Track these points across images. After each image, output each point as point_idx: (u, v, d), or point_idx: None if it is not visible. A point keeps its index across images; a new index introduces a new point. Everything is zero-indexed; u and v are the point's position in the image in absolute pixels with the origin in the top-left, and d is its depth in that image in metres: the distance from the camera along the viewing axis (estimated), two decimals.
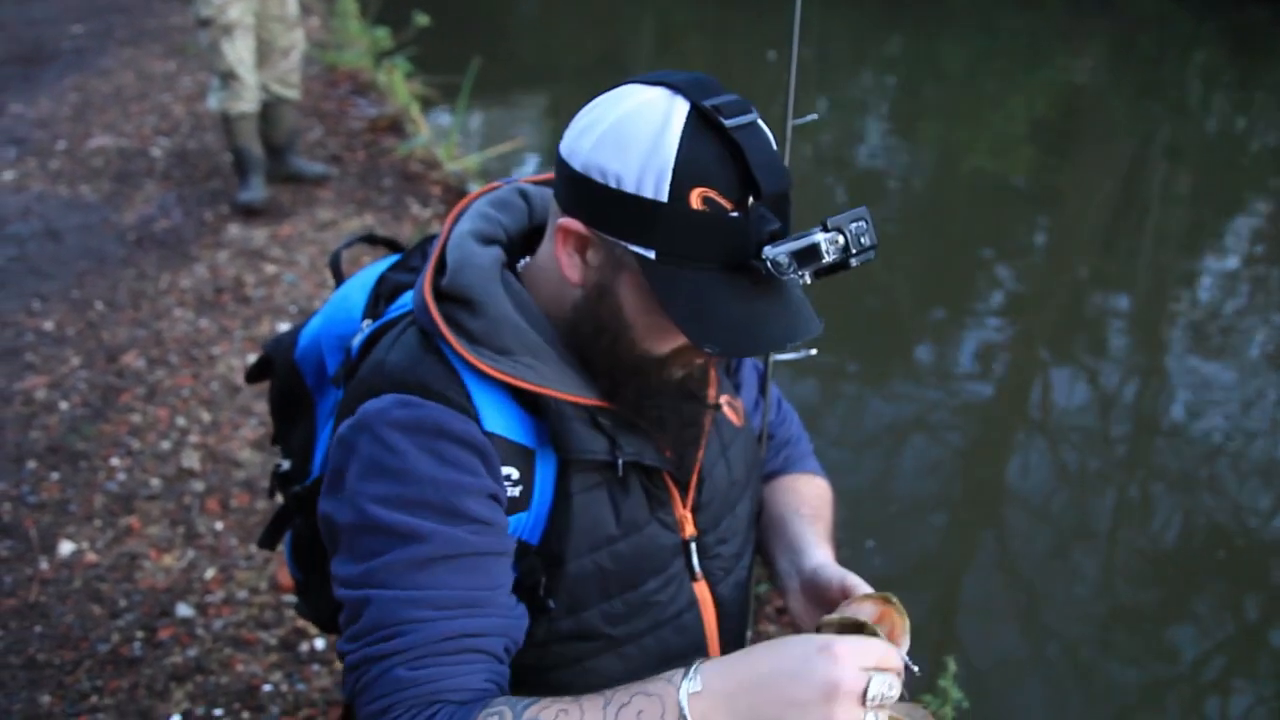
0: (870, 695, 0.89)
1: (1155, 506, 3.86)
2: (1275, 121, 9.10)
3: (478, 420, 1.07)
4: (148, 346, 3.83)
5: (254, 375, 1.52)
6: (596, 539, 1.14)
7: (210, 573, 2.70)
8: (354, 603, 1.03)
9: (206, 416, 3.39)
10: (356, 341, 1.23)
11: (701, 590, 1.26)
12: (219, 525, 2.87)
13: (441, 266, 1.15)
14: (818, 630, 1.02)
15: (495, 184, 1.26)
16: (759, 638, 1.65)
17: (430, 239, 1.30)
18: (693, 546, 1.24)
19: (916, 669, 0.98)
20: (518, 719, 0.98)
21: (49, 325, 3.97)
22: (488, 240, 1.17)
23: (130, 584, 2.66)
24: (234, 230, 4.82)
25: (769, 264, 0.96)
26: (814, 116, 1.40)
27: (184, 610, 2.57)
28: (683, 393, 1.16)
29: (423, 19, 6.92)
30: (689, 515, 1.23)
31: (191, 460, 3.14)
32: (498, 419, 1.09)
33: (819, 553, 1.29)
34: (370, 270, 1.37)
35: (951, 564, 3.58)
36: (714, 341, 1.00)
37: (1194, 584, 3.49)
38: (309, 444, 1.39)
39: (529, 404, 1.12)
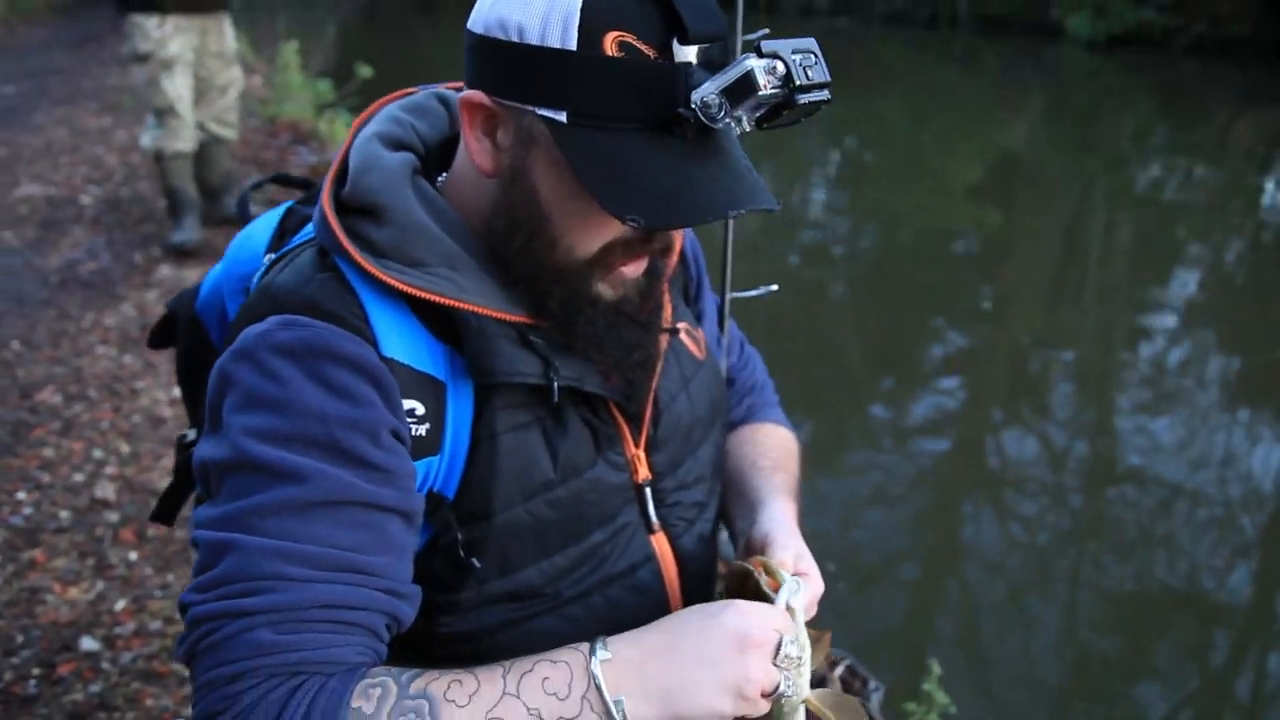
0: (782, 654, 0.87)
1: (1112, 559, 3.74)
2: (1207, 171, 9.32)
3: (375, 344, 0.89)
4: (66, 383, 3.58)
5: (156, 337, 1.33)
6: (529, 486, 0.95)
7: (121, 604, 2.44)
8: (212, 546, 0.83)
9: (126, 448, 3.14)
10: (256, 278, 1.06)
11: (660, 543, 1.07)
12: (133, 555, 2.62)
13: (343, 176, 0.98)
14: (720, 579, 0.96)
15: (410, 89, 1.08)
16: None
17: None
18: (648, 492, 1.05)
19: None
20: (403, 690, 0.81)
21: None
22: (397, 145, 1.00)
23: (29, 619, 2.39)
24: (165, 271, 4.61)
25: (697, 110, 0.81)
26: (765, 31, 1.29)
27: (89, 644, 2.31)
28: (620, 314, 0.97)
29: (365, 70, 6.86)
30: (642, 455, 1.04)
31: (106, 491, 2.89)
32: (399, 344, 0.91)
33: (776, 506, 1.12)
34: (277, 209, 1.19)
35: (914, 624, 3.40)
36: (636, 210, 0.82)
37: (1155, 634, 3.34)
38: None
39: (442, 330, 0.93)
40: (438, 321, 0.94)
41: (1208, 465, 4.25)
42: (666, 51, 0.83)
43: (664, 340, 1.08)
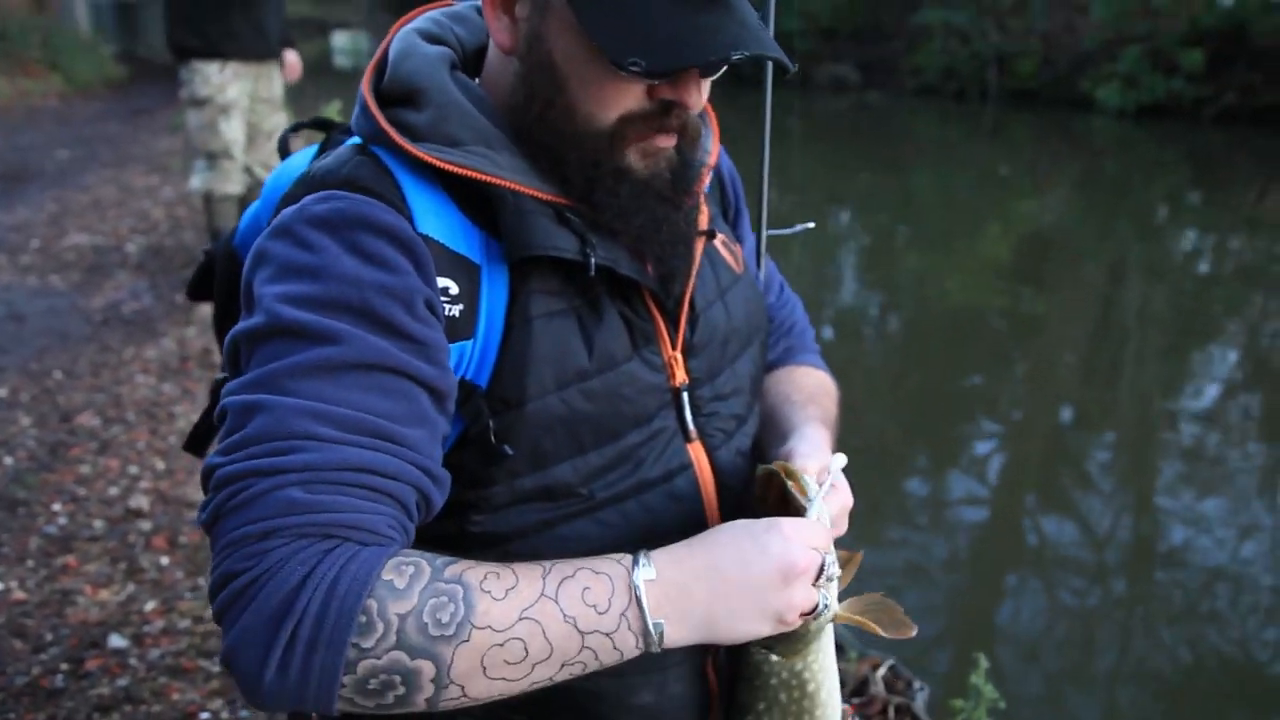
0: (824, 576, 0.87)
1: (1157, 640, 3.61)
2: (1241, 242, 9.26)
3: (411, 221, 0.89)
4: (105, 408, 3.62)
5: (195, 289, 1.33)
6: (564, 372, 0.93)
7: (150, 605, 2.43)
8: (240, 410, 0.79)
9: (161, 465, 3.16)
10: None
11: (697, 453, 1.04)
12: (164, 560, 2.62)
13: (383, 70, 0.99)
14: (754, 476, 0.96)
15: (450, 0, 1.08)
16: None
17: None
18: (685, 398, 1.03)
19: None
20: (438, 572, 0.77)
21: (2, 392, 3.76)
22: (436, 40, 1.02)
23: (59, 619, 2.38)
24: (205, 309, 4.68)
25: None
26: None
27: (117, 641, 2.28)
28: (648, 188, 0.96)
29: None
30: (679, 358, 1.02)
31: (141, 503, 2.90)
32: (435, 224, 0.90)
33: (806, 430, 1.09)
34: (317, 145, 1.21)
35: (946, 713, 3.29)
36: (637, 54, 0.84)
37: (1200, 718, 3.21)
38: None
39: (478, 214, 0.93)
40: (474, 205, 0.93)
41: (1251, 544, 4.12)
42: None
43: (700, 244, 1.07)
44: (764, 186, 1.29)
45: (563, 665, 0.79)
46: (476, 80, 1.03)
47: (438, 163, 0.90)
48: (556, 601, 0.79)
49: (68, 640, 2.30)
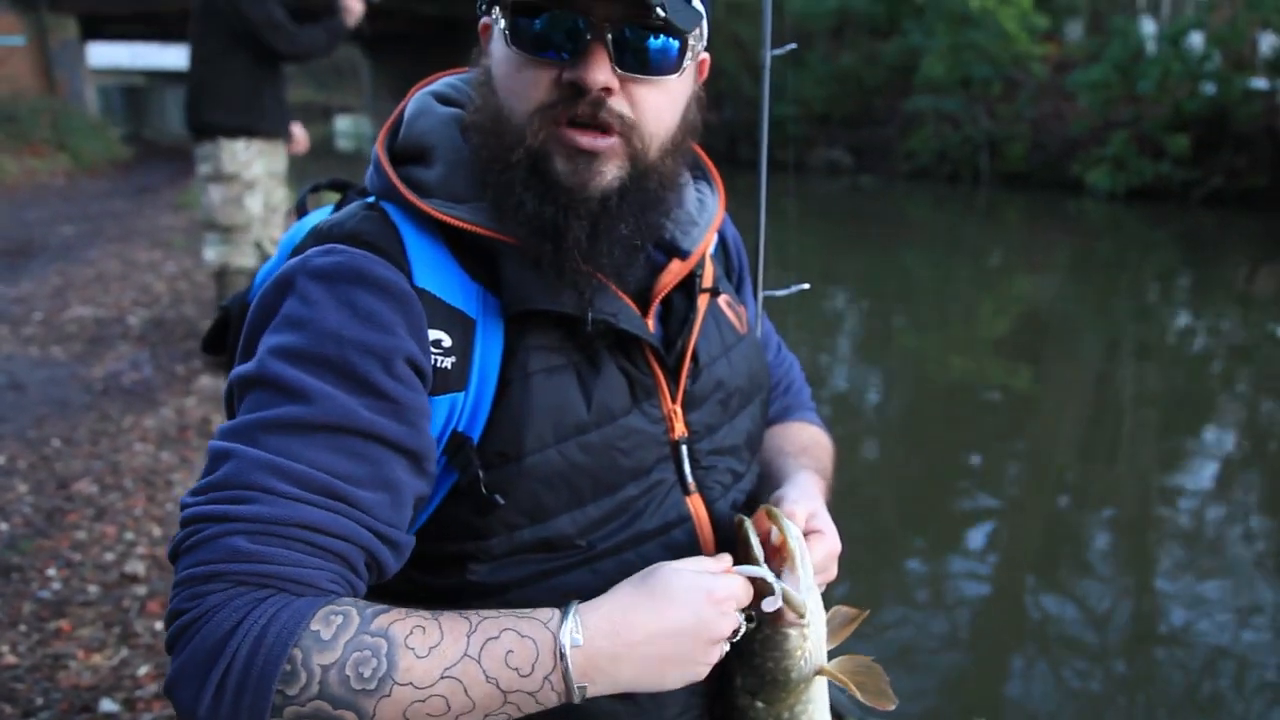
0: (741, 634, 0.93)
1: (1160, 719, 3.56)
2: (1233, 322, 9.34)
3: (409, 274, 0.92)
4: (102, 475, 3.60)
5: (210, 342, 1.35)
6: (562, 426, 0.95)
7: (144, 669, 2.39)
8: (215, 454, 0.85)
9: (158, 531, 3.13)
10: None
11: (696, 505, 1.05)
12: (159, 625, 2.58)
13: (398, 130, 1.04)
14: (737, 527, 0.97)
15: (467, 69, 1.11)
16: None
17: None
18: (684, 450, 1.04)
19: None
20: (365, 623, 0.79)
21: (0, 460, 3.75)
22: (451, 103, 1.06)
23: (50, 683, 2.34)
24: (205, 380, 4.69)
25: None
26: (793, 46, 1.37)
27: (108, 706, 2.24)
28: (583, 199, 0.93)
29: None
30: (679, 412, 1.04)
31: (136, 568, 2.87)
32: (433, 278, 0.93)
33: (799, 477, 1.11)
34: (331, 205, 1.25)
35: None
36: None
37: None
38: None
39: (481, 268, 0.96)
40: (476, 260, 0.96)
41: (1254, 623, 4.08)
42: None
43: (704, 300, 1.09)
44: (761, 244, 1.32)
45: (487, 716, 0.82)
46: None
47: (443, 217, 0.94)
48: (479, 662, 0.80)
49: (59, 705, 2.26)
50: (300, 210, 1.31)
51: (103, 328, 5.66)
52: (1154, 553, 4.77)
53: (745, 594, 0.91)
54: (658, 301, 1.05)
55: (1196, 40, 14.76)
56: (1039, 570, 4.63)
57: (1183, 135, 13.94)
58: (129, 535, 3.10)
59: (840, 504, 1.22)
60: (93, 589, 2.78)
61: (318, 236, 0.96)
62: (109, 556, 2.96)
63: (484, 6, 0.98)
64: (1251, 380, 7.52)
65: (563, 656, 0.81)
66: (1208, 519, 5.14)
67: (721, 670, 0.94)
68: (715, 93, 22.14)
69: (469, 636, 0.81)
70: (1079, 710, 3.56)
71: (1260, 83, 14.37)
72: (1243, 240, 12.47)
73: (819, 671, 0.95)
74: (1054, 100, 16.76)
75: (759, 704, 0.95)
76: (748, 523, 0.95)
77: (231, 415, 0.91)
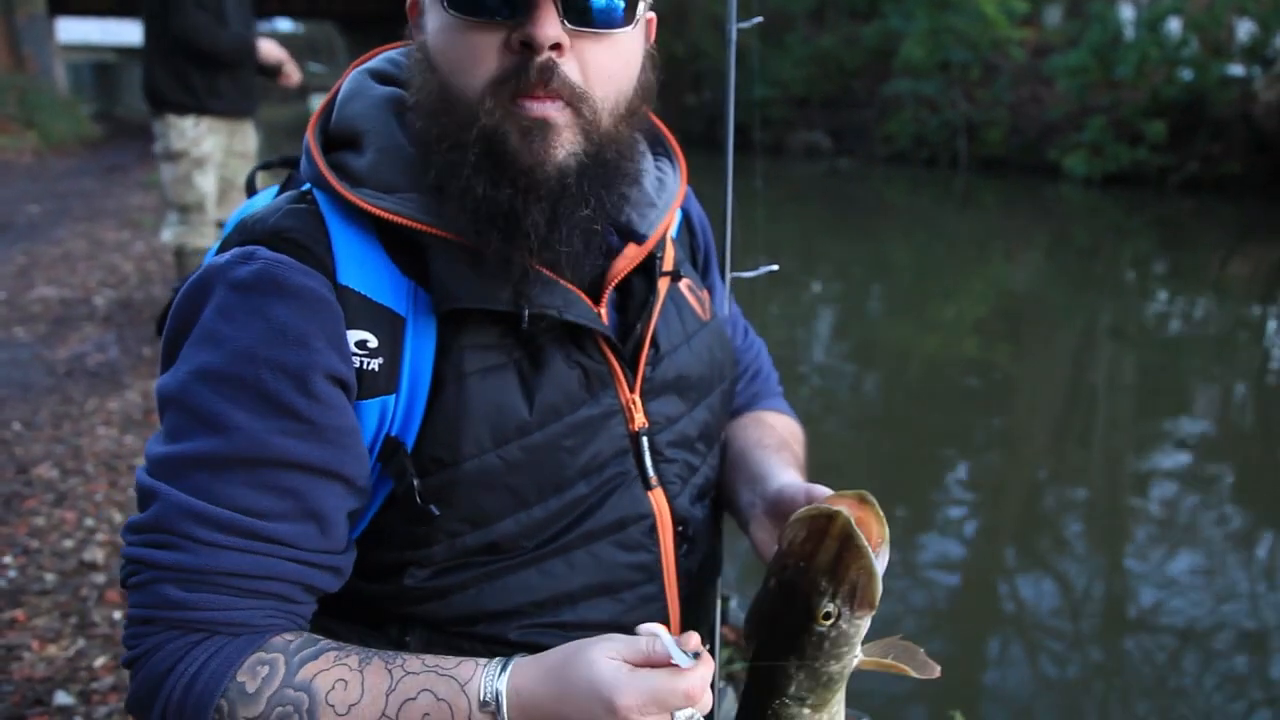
0: None
1: (1134, 704, 3.57)
2: (1208, 306, 9.40)
3: (333, 273, 0.87)
4: (63, 459, 3.52)
5: (163, 323, 1.30)
6: (502, 429, 0.90)
7: (101, 660, 2.33)
8: (144, 490, 0.86)
9: (119, 517, 3.06)
10: None
11: (658, 499, 1.00)
12: (117, 615, 2.52)
13: (331, 111, 0.99)
14: (779, 536, 0.81)
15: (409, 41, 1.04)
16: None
17: None
18: (644, 442, 0.99)
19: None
20: (290, 676, 0.81)
21: None
22: (388, 80, 0.99)
23: (3, 674, 2.27)
24: None
25: None
26: (759, 19, 1.31)
27: (63, 698, 2.18)
28: (542, 177, 0.87)
29: None
30: (637, 401, 0.99)
31: (96, 555, 2.80)
32: (359, 274, 0.89)
33: (785, 476, 1.05)
34: (278, 185, 1.19)
35: None
36: None
37: None
38: None
39: (412, 262, 0.90)
40: (407, 254, 0.91)
41: (1224, 609, 4.10)
42: None
43: (664, 284, 1.05)
44: (728, 223, 1.27)
45: None
46: None
47: (370, 208, 0.89)
48: None
49: (10, 697, 2.19)
50: (250, 189, 1.25)
51: (68, 308, 5.55)
52: (1128, 537, 4.80)
53: (673, 693, 0.79)
54: (611, 287, 0.99)
55: (1174, 26, 14.80)
56: (1014, 555, 4.64)
57: (1160, 121, 13.98)
58: (89, 521, 3.03)
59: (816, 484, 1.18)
60: (50, 577, 2.71)
61: (241, 232, 0.92)
62: (68, 544, 2.89)
63: None
64: (1226, 365, 7.58)
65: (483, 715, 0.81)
66: (1181, 503, 5.17)
67: (756, 689, 0.85)
68: (695, 74, 22.05)
69: (388, 695, 0.81)
70: (1055, 698, 3.57)
71: (1237, 69, 14.42)
72: (1218, 226, 12.55)
73: (861, 665, 0.88)
74: (1032, 85, 16.77)
75: (806, 710, 0.87)
76: (850, 520, 0.80)
77: (159, 418, 0.90)
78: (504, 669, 0.82)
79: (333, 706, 0.80)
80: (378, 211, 0.89)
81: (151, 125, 4.58)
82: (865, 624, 0.83)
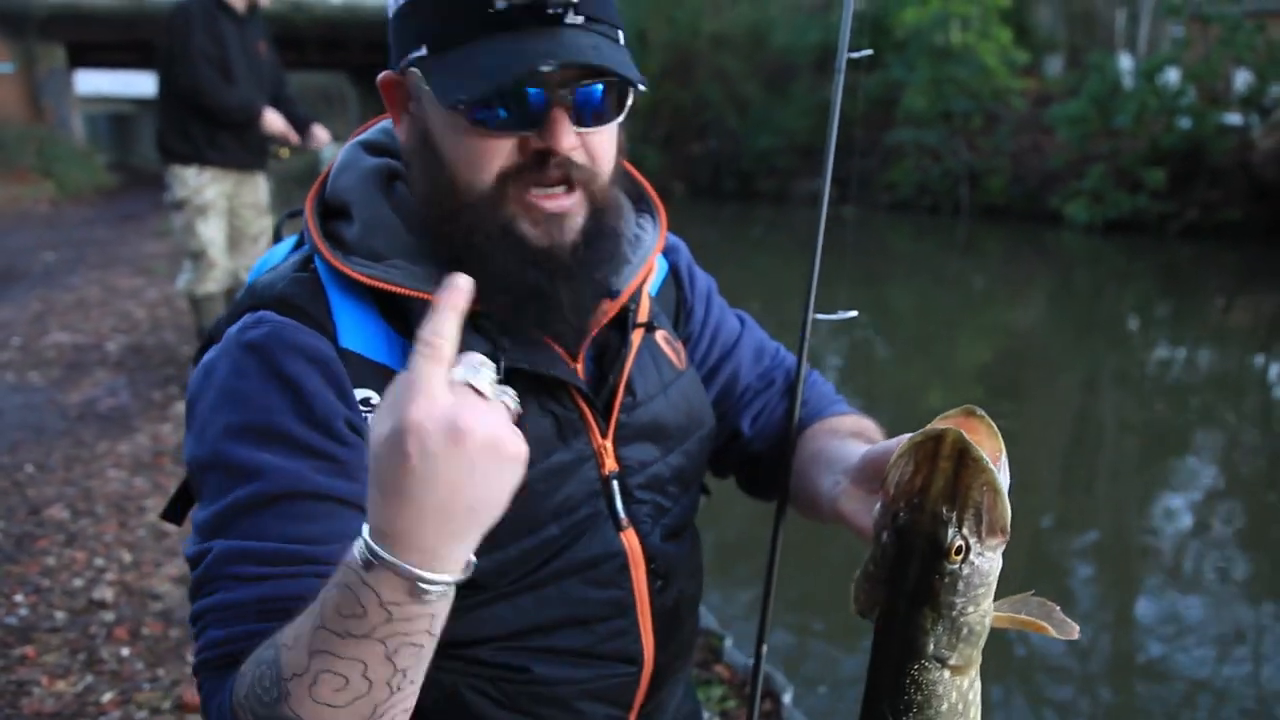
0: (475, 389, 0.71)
1: None
2: (1211, 352, 9.42)
3: (335, 337, 0.96)
4: (75, 501, 3.60)
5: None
6: None
7: (108, 695, 2.39)
8: (194, 557, 0.91)
9: (128, 557, 3.13)
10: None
11: (630, 539, 1.05)
12: (125, 651, 2.58)
13: (328, 178, 1.07)
14: (883, 484, 0.75)
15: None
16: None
17: None
18: (615, 486, 1.05)
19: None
20: (265, 647, 0.81)
21: None
22: (380, 151, 1.07)
23: (12, 710, 2.33)
24: (181, 407, 4.69)
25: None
26: (869, 52, 1.31)
27: None
28: (549, 258, 0.96)
29: None
30: (609, 447, 1.05)
31: (105, 594, 2.86)
32: (358, 337, 0.97)
33: (865, 449, 1.05)
34: (297, 236, 1.19)
35: None
36: (462, 92, 0.89)
37: None
38: None
39: (403, 323, 0.98)
40: (398, 315, 0.98)
41: (1233, 654, 4.10)
42: None
43: (638, 335, 1.10)
44: (815, 267, 1.28)
45: (387, 659, 0.74)
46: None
47: (358, 277, 0.97)
48: (328, 629, 0.74)
49: None
50: (276, 236, 1.31)
51: (81, 353, 5.66)
52: (1134, 583, 4.79)
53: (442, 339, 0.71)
54: (588, 341, 1.05)
55: (1172, 76, 15.00)
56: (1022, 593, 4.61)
57: (1159, 169, 14.12)
58: (99, 561, 3.10)
59: (820, 534, 1.19)
60: (60, 615, 2.78)
61: (250, 298, 1.00)
62: (78, 583, 2.96)
63: (398, 64, 0.97)
64: (1229, 411, 7.57)
65: (375, 591, 0.71)
66: (1187, 549, 5.16)
67: (887, 656, 0.77)
68: (700, 125, 22.32)
69: (313, 614, 0.75)
70: None
71: (1234, 118, 14.59)
72: (1219, 272, 12.62)
73: (996, 621, 0.78)
74: (1033, 134, 16.97)
75: (948, 673, 0.76)
76: (961, 433, 0.72)
77: (196, 492, 0.95)
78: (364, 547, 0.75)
79: (285, 645, 0.77)
80: (367, 280, 0.96)
81: (163, 175, 4.73)
82: (999, 557, 0.76)
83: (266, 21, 4.95)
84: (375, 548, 0.70)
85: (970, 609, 0.73)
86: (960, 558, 0.71)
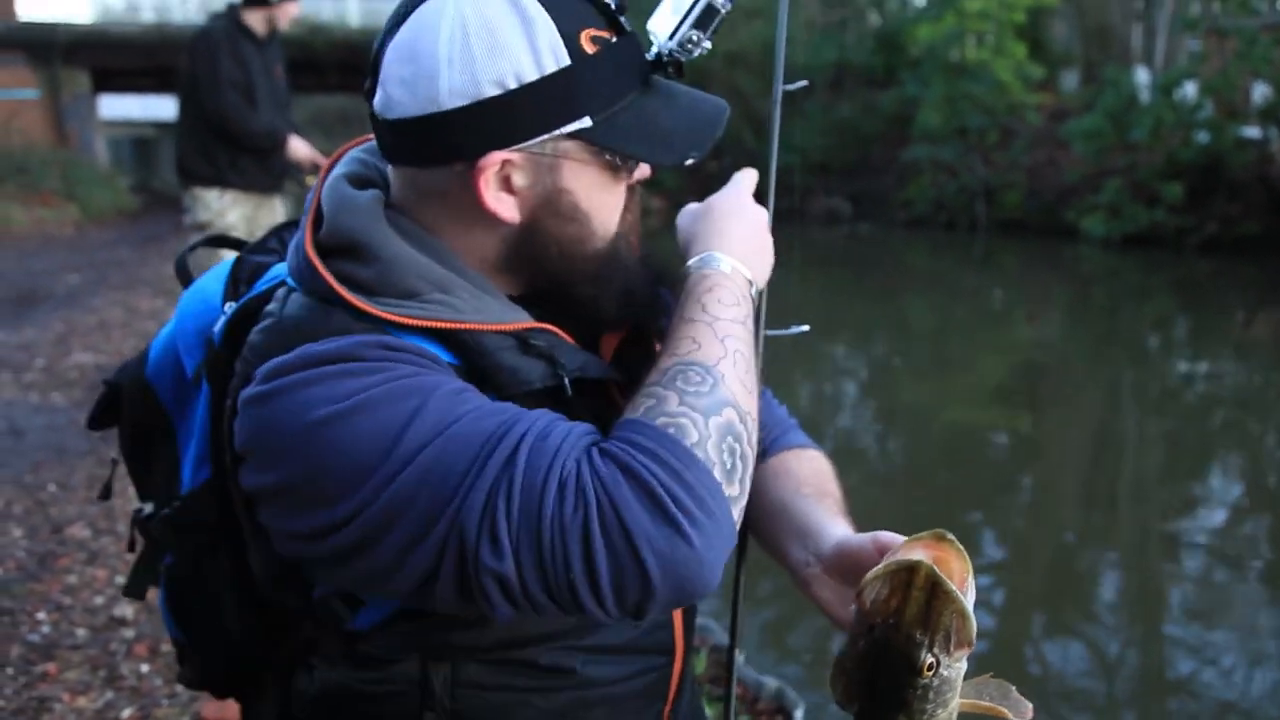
0: None
1: None
2: (1232, 367, 9.35)
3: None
4: (96, 520, 3.65)
5: (98, 417, 1.20)
6: None
7: (128, 711, 2.42)
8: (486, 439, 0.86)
9: None
10: (219, 328, 1.02)
11: None
12: (145, 668, 2.62)
13: (320, 219, 1.00)
14: (858, 596, 0.81)
15: (369, 136, 1.07)
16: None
17: (286, 225, 1.17)
18: None
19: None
20: (661, 372, 0.91)
21: None
22: (364, 183, 1.03)
23: None
24: None
25: (675, 54, 0.95)
26: (804, 83, 1.36)
27: None
28: (642, 265, 1.06)
29: None
30: None
31: (125, 611, 2.91)
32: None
33: (836, 528, 1.07)
34: (224, 264, 1.16)
35: None
36: (680, 151, 0.96)
37: None
38: (173, 473, 1.14)
39: (449, 346, 0.95)
40: (443, 339, 0.95)
41: (1260, 673, 4.05)
42: (617, 27, 0.95)
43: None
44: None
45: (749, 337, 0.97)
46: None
47: (400, 319, 0.91)
48: (723, 319, 0.95)
49: None
50: (183, 276, 1.23)
51: (103, 374, 5.71)
52: (1158, 601, 4.74)
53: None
54: (618, 339, 1.07)
55: (1190, 90, 14.97)
56: (1042, 620, 4.59)
57: (1177, 183, 14.07)
58: (119, 579, 3.14)
59: None
60: (81, 632, 2.82)
61: (292, 333, 0.91)
62: (98, 600, 3.00)
63: (524, 142, 0.93)
64: (1252, 426, 7.51)
65: (731, 273, 1.01)
66: (1212, 566, 5.11)
67: None
68: (715, 143, 22.39)
69: (703, 313, 0.95)
70: None
71: (1253, 131, 14.55)
72: (1238, 287, 12.54)
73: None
74: (1049, 148, 16.94)
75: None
76: (933, 568, 0.79)
77: (283, 513, 0.87)
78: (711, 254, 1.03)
79: (698, 344, 0.92)
80: (410, 321, 0.92)
81: (182, 198, 4.80)
82: (964, 663, 0.83)
83: (284, 46, 5.02)
84: (735, 264, 1.02)
85: (939, 710, 0.83)
86: (931, 673, 0.80)
